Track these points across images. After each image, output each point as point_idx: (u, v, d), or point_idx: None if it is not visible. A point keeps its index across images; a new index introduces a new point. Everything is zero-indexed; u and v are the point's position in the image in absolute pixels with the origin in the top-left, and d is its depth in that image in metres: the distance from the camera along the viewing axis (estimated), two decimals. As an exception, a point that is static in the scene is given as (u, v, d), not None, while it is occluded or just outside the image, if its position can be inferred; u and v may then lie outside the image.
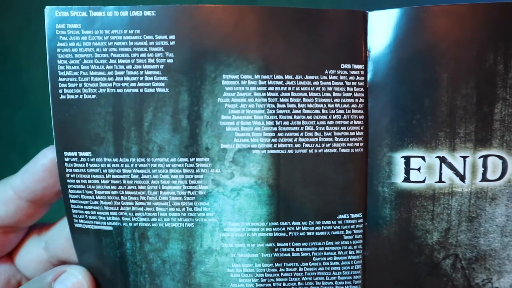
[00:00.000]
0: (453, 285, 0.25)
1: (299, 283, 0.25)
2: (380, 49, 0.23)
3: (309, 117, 0.24)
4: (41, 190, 0.24)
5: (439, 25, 0.23)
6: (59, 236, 0.26)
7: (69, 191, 0.24)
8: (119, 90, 0.23)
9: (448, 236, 0.24)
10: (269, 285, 0.25)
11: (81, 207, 0.24)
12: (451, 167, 0.24)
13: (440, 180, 0.24)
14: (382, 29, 0.23)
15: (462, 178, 0.24)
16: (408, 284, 0.25)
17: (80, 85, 0.23)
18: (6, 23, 0.40)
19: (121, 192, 0.24)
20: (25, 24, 0.39)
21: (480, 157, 0.23)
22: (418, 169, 0.24)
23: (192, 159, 0.24)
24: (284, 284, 0.25)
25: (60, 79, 0.23)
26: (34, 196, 0.24)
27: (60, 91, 0.23)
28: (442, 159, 0.24)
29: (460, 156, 0.24)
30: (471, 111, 0.23)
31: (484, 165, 0.24)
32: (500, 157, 0.23)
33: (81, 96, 0.23)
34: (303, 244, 0.25)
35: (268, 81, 0.23)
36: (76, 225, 0.25)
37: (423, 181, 0.24)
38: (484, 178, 0.24)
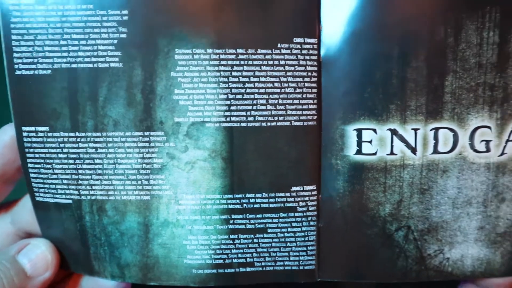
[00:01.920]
0: (406, 256, 0.25)
1: (254, 254, 0.25)
2: (333, 24, 0.23)
3: (261, 90, 0.23)
4: (1, 166, 0.24)
5: (390, 0, 0.23)
6: (23, 210, 0.26)
7: (29, 165, 0.24)
8: (73, 65, 0.23)
9: (400, 208, 0.24)
10: (225, 256, 0.25)
11: (41, 180, 0.24)
12: (402, 139, 0.23)
13: (392, 153, 0.24)
14: (335, 4, 0.23)
15: (414, 150, 0.24)
16: (361, 255, 0.25)
17: (35, 60, 0.23)
18: None
19: (78, 166, 0.24)
20: None
21: (431, 130, 0.23)
22: (370, 142, 0.24)
23: (146, 133, 0.23)
24: (239, 255, 0.25)
25: (15, 54, 0.23)
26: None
27: (16, 66, 0.23)
28: (394, 132, 0.23)
29: (411, 129, 0.23)
30: (422, 83, 0.23)
31: (435, 138, 0.23)
32: (451, 129, 0.23)
33: (36, 72, 0.23)
34: (258, 216, 0.25)
35: (221, 55, 0.23)
36: (37, 198, 0.25)
37: (375, 154, 0.24)
38: (436, 151, 0.23)
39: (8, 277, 0.22)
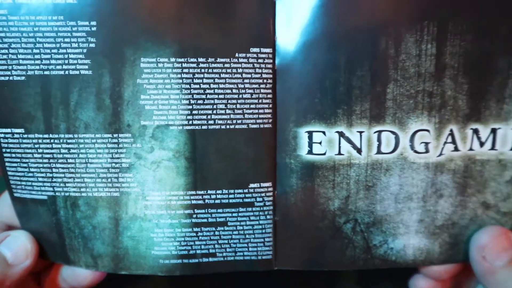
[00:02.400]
0: (354, 246, 0.27)
1: (216, 246, 0.27)
2: (287, 35, 0.25)
3: (221, 96, 0.25)
4: None
5: (338, 13, 0.24)
6: (3, 205, 0.27)
7: (6, 164, 0.26)
8: (46, 72, 0.25)
9: (348, 203, 0.27)
10: (189, 247, 0.27)
11: (18, 178, 0.26)
12: (348, 141, 0.26)
13: (340, 153, 0.26)
14: (288, 17, 0.25)
15: (359, 151, 0.26)
16: (314, 246, 0.27)
17: (10, 67, 0.25)
18: None
19: (52, 165, 0.26)
20: None
21: (374, 132, 0.25)
22: (320, 143, 0.26)
23: (115, 135, 0.25)
24: (202, 247, 0.27)
25: None
26: None
27: None
28: (341, 134, 0.25)
29: (357, 131, 0.25)
30: (366, 90, 0.25)
31: (379, 139, 0.26)
32: (393, 132, 0.25)
33: (11, 78, 0.25)
34: (219, 210, 0.27)
35: (183, 63, 0.25)
36: (15, 194, 0.27)
37: (324, 154, 0.26)
38: (379, 151, 0.26)
39: None
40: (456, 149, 0.26)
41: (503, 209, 0.27)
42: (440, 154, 0.26)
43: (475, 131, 0.26)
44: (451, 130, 0.26)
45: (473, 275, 0.27)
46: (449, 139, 0.26)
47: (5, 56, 0.24)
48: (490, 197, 0.26)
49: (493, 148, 0.26)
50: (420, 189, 0.26)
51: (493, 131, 0.26)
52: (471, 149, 0.26)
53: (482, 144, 0.26)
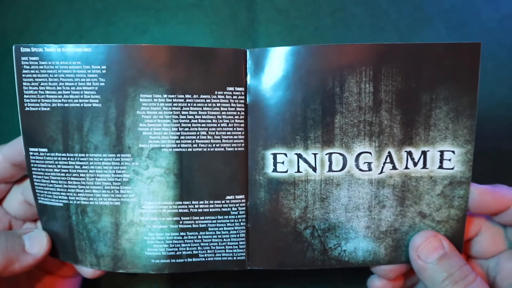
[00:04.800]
0: (313, 249, 0.32)
1: (198, 248, 0.32)
2: (256, 77, 0.31)
3: (203, 125, 0.31)
4: (20, 158, 0.31)
5: (295, 61, 0.30)
6: (30, 187, 0.33)
7: (33, 176, 0.31)
8: (66, 105, 0.30)
9: (306, 212, 0.32)
10: (176, 249, 0.32)
11: (41, 188, 0.32)
12: (305, 161, 0.31)
13: (298, 171, 0.31)
14: (257, 63, 0.30)
15: (314, 169, 0.31)
16: (280, 248, 0.32)
17: (39, 100, 0.30)
18: (7, 22, 0.42)
19: (68, 178, 0.31)
20: (25, 24, 0.42)
21: (326, 154, 0.31)
22: (282, 163, 0.31)
23: (118, 155, 0.31)
24: (187, 248, 0.32)
25: (25, 96, 0.30)
26: (15, 161, 0.31)
27: (25, 104, 0.30)
28: (299, 155, 0.31)
29: (312, 153, 0.31)
30: (318, 120, 0.30)
31: (330, 160, 0.31)
32: (340, 154, 0.31)
33: (39, 108, 0.31)
34: (201, 218, 0.32)
35: (173, 99, 0.30)
36: (39, 201, 0.32)
37: (286, 171, 0.31)
38: (330, 169, 0.31)
39: (11, 246, 0.29)
40: (394, 167, 0.31)
41: (437, 218, 0.31)
42: (381, 172, 0.31)
43: (409, 153, 0.31)
44: (389, 152, 0.31)
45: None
46: (388, 160, 0.31)
47: (36, 92, 0.30)
48: (426, 207, 0.31)
49: (424, 167, 0.31)
50: (366, 201, 0.31)
51: (423, 153, 0.31)
52: (406, 168, 0.31)
53: (415, 164, 0.31)
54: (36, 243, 0.31)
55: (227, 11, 0.42)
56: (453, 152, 0.30)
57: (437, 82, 0.29)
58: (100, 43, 0.30)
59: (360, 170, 0.30)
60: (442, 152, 0.30)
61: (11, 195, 0.34)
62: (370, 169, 0.30)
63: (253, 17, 0.41)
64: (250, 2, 0.42)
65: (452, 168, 0.30)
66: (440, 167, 0.30)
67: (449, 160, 0.30)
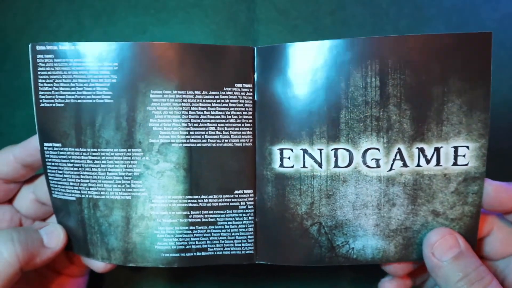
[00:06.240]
0: (320, 245, 0.32)
1: (207, 242, 0.32)
2: (263, 75, 0.31)
3: (212, 120, 0.31)
4: (30, 159, 0.32)
5: (299, 57, 0.30)
6: (42, 185, 0.33)
7: (48, 170, 0.32)
8: (79, 101, 0.31)
9: (312, 208, 0.31)
10: (186, 243, 0.32)
11: (55, 182, 0.32)
12: (311, 156, 0.31)
13: (304, 166, 0.31)
14: (264, 60, 0.31)
15: (320, 165, 0.31)
16: (287, 243, 0.32)
17: (53, 97, 0.31)
18: (7, 22, 0.42)
19: (80, 173, 0.32)
20: (25, 24, 0.42)
21: (332, 149, 0.31)
22: (289, 158, 0.31)
23: (129, 150, 0.31)
24: (196, 242, 0.32)
25: (40, 92, 0.31)
26: (25, 162, 0.32)
27: (40, 101, 0.31)
28: (305, 151, 0.31)
29: (317, 149, 0.31)
30: (323, 115, 0.30)
31: (335, 156, 0.31)
32: (347, 149, 0.31)
33: (53, 105, 0.31)
34: (210, 212, 0.32)
35: (183, 95, 0.31)
36: (53, 195, 0.33)
37: (292, 167, 0.31)
38: (336, 165, 0.31)
39: (29, 240, 0.30)
40: (405, 165, 0.30)
41: (451, 216, 0.30)
42: (391, 169, 0.30)
43: (421, 150, 0.30)
44: (398, 149, 0.30)
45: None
46: (398, 157, 0.30)
47: (50, 89, 0.31)
48: (439, 206, 0.30)
49: (438, 164, 0.30)
50: (374, 198, 0.31)
51: (436, 149, 0.30)
52: (419, 165, 0.30)
53: (428, 161, 0.30)
54: (53, 237, 0.31)
55: (227, 11, 0.42)
56: (468, 147, 0.29)
57: (449, 74, 0.28)
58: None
59: (368, 166, 0.30)
60: (456, 148, 0.29)
61: (22, 194, 0.34)
62: (378, 166, 0.30)
63: (253, 17, 0.42)
64: (250, 2, 0.42)
65: (467, 164, 0.29)
66: (455, 163, 0.29)
67: (464, 156, 0.29)
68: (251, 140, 0.31)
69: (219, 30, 0.42)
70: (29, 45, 0.31)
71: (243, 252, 0.32)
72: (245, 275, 0.42)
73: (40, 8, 0.43)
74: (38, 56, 0.30)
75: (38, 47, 0.31)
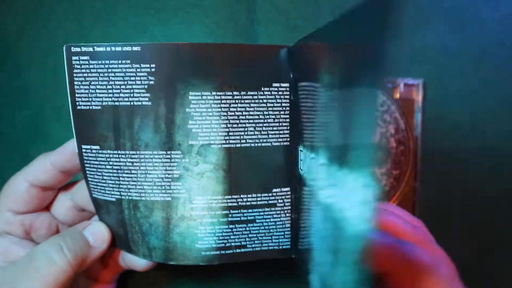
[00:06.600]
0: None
1: (247, 239, 0.33)
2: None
3: (250, 121, 0.31)
4: (68, 165, 0.32)
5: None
6: (79, 191, 0.34)
7: (87, 172, 0.32)
8: (116, 103, 0.31)
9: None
10: (225, 241, 0.33)
11: (95, 183, 0.32)
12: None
13: (343, 165, 0.32)
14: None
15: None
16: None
17: (90, 99, 0.31)
18: (7, 22, 0.41)
19: (119, 175, 0.32)
20: (25, 24, 0.41)
21: None
22: (328, 157, 0.32)
23: (168, 152, 0.31)
24: (236, 240, 0.33)
25: (76, 95, 0.31)
26: (63, 168, 0.32)
27: (77, 103, 0.31)
28: None
29: None
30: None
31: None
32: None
33: (91, 107, 0.31)
34: (249, 210, 0.32)
35: (222, 96, 0.31)
36: (93, 195, 0.33)
37: (331, 165, 0.32)
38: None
39: (77, 245, 0.30)
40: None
41: None
42: None
43: None
44: None
45: None
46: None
47: (87, 91, 0.31)
48: None
49: None
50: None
51: None
52: None
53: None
54: (99, 236, 0.32)
55: (227, 11, 0.42)
56: None
57: None
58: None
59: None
60: None
61: (59, 201, 0.34)
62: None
63: (253, 17, 0.42)
64: (250, 2, 0.42)
65: None
66: None
67: None
68: (288, 139, 0.31)
69: (219, 30, 0.42)
70: (64, 47, 0.30)
71: (280, 247, 0.33)
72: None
73: (40, 8, 0.42)
74: (74, 58, 0.30)
75: (73, 49, 0.30)
